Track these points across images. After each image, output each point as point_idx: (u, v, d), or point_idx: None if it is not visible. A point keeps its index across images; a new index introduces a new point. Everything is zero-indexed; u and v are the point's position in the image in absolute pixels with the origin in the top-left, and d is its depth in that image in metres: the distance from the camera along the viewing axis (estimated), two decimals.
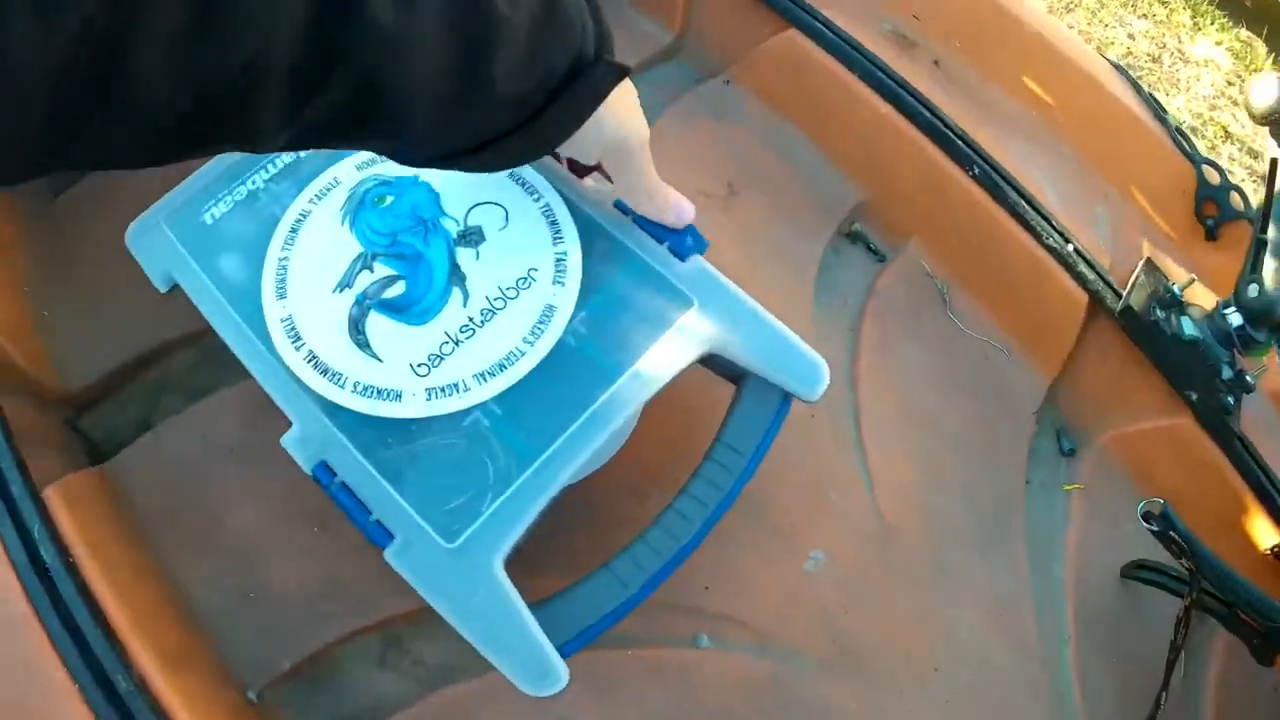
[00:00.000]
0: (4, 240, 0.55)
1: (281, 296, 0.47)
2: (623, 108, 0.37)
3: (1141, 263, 0.65)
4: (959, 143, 0.63)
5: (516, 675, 0.38)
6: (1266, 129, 0.63)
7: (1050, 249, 0.63)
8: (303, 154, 0.52)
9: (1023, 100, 0.70)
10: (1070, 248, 0.63)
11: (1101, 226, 0.68)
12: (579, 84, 0.34)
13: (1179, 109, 1.97)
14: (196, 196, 0.50)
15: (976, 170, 0.63)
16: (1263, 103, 0.61)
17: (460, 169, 0.37)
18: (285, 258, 0.48)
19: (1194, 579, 0.56)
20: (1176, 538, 0.55)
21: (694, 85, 0.66)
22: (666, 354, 0.42)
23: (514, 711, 0.47)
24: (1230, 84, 2.02)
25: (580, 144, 0.37)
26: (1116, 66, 0.72)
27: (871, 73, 0.64)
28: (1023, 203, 0.63)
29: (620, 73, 0.35)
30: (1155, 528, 0.56)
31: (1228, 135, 1.96)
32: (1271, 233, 0.62)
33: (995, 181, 0.63)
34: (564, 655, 0.39)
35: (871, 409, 0.57)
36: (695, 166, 0.62)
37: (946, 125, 0.63)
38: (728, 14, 0.70)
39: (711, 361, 0.44)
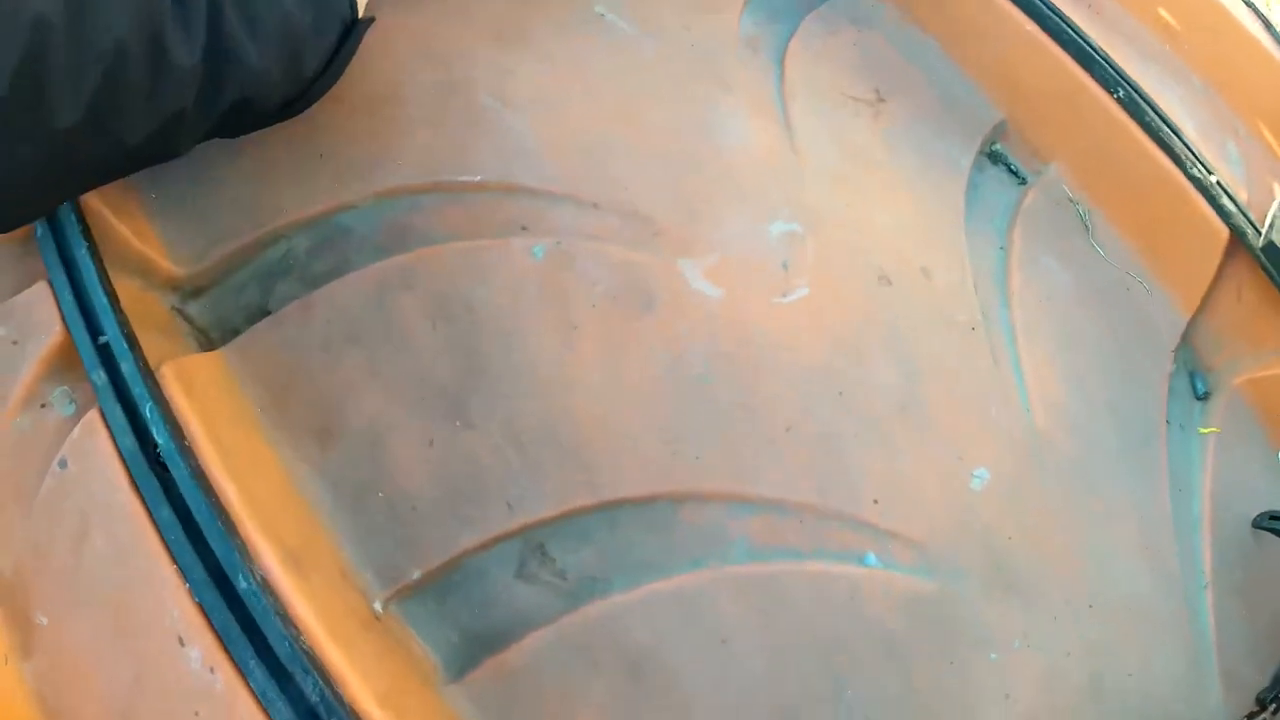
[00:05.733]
0: None
1: None
2: None
3: (1278, 200, 0.63)
4: (1105, 65, 0.60)
5: None
6: None
7: (1194, 179, 0.60)
8: None
9: (1157, 31, 0.68)
10: (1214, 179, 0.60)
11: (1235, 163, 0.66)
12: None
13: None
14: None
15: (1121, 94, 0.60)
16: None
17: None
18: None
19: None
20: None
21: None
22: None
23: (667, 629, 0.43)
24: None
25: None
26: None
27: None
28: (1167, 130, 0.60)
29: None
30: None
31: None
32: None
33: (1140, 107, 0.60)
34: None
35: (1026, 326, 0.54)
36: (841, 70, 0.58)
37: (1091, 47, 0.60)
38: None
39: None
